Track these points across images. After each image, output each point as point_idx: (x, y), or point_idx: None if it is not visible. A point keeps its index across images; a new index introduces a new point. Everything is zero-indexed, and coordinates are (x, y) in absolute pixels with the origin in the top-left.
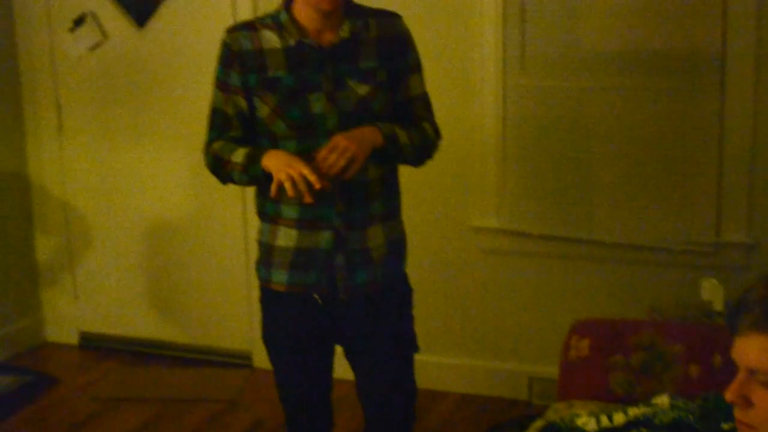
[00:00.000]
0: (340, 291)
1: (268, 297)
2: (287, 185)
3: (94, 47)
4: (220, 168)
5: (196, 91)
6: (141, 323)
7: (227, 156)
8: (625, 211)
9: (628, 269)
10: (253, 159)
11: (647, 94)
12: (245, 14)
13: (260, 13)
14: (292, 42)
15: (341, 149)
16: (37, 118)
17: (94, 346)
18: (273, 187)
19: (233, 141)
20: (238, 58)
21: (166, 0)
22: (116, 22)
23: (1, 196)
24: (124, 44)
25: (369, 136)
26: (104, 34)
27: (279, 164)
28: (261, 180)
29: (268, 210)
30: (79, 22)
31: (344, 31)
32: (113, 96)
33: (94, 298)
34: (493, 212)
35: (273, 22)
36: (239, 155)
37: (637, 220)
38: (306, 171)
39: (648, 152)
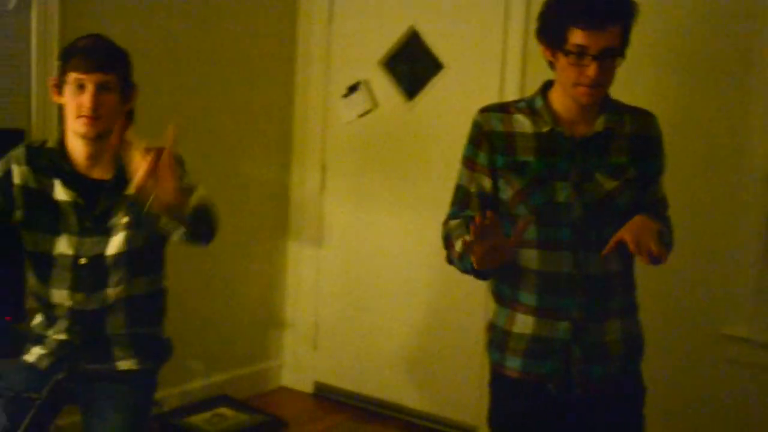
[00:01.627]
0: (575, 384)
1: (500, 381)
2: None
3: (364, 114)
4: (446, 246)
5: (455, 166)
6: (374, 382)
7: (454, 239)
8: None
9: None
10: (469, 250)
11: None
12: (512, 95)
13: (527, 95)
14: (544, 129)
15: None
16: (302, 176)
17: (327, 396)
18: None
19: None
20: (488, 138)
21: (437, 75)
22: (387, 92)
23: (267, 245)
24: (391, 114)
25: (652, 225)
26: (374, 103)
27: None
28: (471, 273)
29: (505, 293)
30: (353, 89)
31: (599, 125)
32: (375, 162)
33: (332, 350)
34: (746, 320)
35: (527, 106)
36: (460, 243)
37: None
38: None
39: None
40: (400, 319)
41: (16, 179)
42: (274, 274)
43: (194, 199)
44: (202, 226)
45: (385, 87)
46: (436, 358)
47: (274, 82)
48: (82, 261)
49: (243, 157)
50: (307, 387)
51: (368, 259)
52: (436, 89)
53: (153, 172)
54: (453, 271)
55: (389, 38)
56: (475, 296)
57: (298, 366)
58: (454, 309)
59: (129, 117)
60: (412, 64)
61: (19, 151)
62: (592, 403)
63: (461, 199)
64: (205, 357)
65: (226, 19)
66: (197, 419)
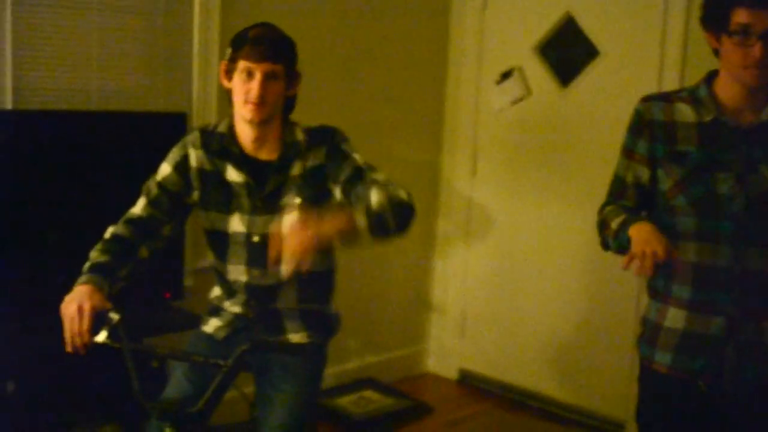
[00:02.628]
0: (726, 382)
1: (648, 376)
2: (634, 263)
3: (517, 101)
4: (601, 231)
5: (610, 157)
6: (520, 371)
7: (610, 220)
8: None
9: None
10: (625, 226)
11: None
12: (671, 85)
13: (686, 85)
14: (707, 118)
15: None
16: (453, 162)
17: (472, 384)
18: (625, 260)
19: (624, 209)
20: (648, 127)
21: (593, 62)
22: (541, 79)
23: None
24: (545, 101)
25: None
26: (528, 90)
27: (639, 237)
28: (628, 249)
29: (658, 286)
30: (506, 75)
31: (766, 114)
32: (526, 149)
33: (478, 338)
34: None
35: (689, 96)
36: (617, 221)
37: None
38: (660, 251)
39: None
40: (548, 309)
41: (193, 162)
42: (424, 258)
43: (362, 217)
44: (388, 227)
45: (538, 74)
46: (584, 350)
47: (428, 68)
48: (255, 239)
49: (396, 140)
50: (452, 373)
51: (518, 247)
52: (591, 77)
53: (294, 253)
54: (604, 263)
55: (544, 24)
56: (627, 289)
57: (444, 352)
58: (605, 301)
59: (291, 102)
60: (567, 51)
61: (193, 136)
62: (742, 402)
63: (617, 189)
64: (355, 339)
65: (382, 7)
66: (344, 401)
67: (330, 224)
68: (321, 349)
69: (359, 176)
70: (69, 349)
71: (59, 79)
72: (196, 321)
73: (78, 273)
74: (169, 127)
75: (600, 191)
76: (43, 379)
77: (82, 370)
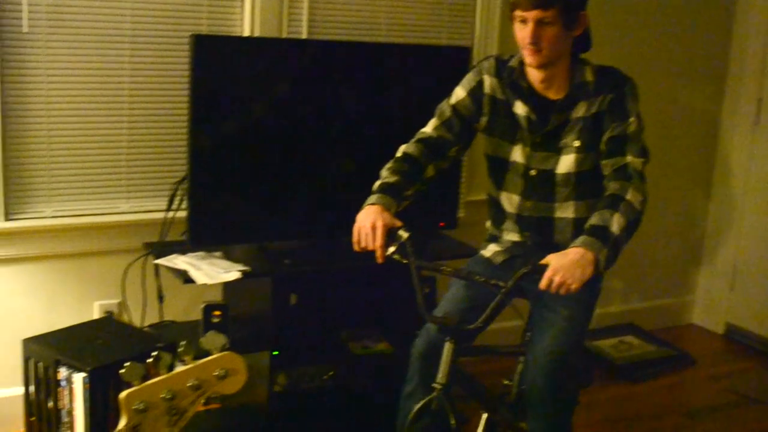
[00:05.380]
0: None
1: None
2: None
3: None
4: None
5: None
6: None
7: None
8: None
9: None
10: None
11: None
12: None
13: None
14: None
15: None
16: (735, 109)
17: (738, 339)
18: None
19: None
20: None
21: None
22: None
23: (689, 180)
24: None
25: None
26: None
27: None
28: None
29: None
30: None
31: None
32: None
33: (749, 293)
34: None
35: None
36: None
37: None
38: None
39: None
40: None
41: (487, 89)
42: (696, 208)
43: (604, 258)
44: (619, 252)
45: None
46: None
47: (712, 8)
48: (532, 173)
49: (677, 85)
50: (718, 327)
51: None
52: None
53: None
54: None
55: None
56: None
57: (711, 305)
58: None
59: (581, 41)
60: None
61: (489, 63)
62: None
63: None
64: (621, 282)
65: None
66: (604, 344)
67: (585, 274)
68: (598, 277)
69: (621, 147)
70: (358, 257)
71: (350, 12)
72: (467, 251)
73: (366, 194)
74: (452, 60)
75: None
76: (322, 294)
77: (358, 287)
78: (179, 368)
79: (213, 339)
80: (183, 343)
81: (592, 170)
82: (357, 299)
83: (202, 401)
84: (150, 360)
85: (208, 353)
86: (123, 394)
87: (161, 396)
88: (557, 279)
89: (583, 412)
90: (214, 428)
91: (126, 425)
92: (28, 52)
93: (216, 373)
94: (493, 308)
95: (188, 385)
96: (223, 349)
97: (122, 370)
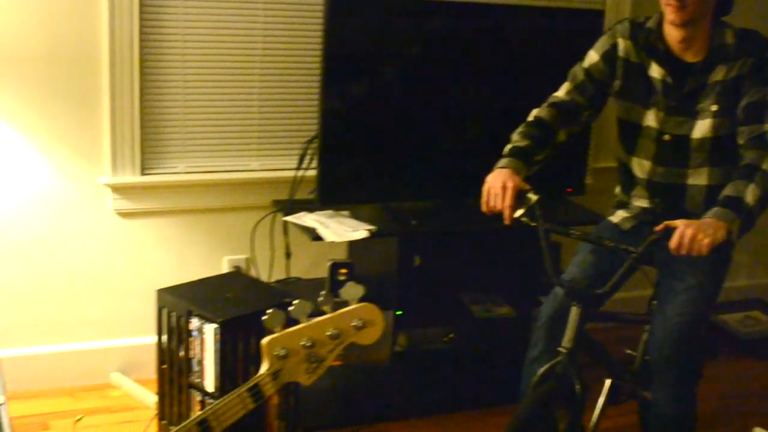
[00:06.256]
0: None
1: None
2: None
3: None
4: None
5: None
6: None
7: None
8: None
9: None
10: None
11: None
12: None
13: None
14: None
15: None
16: None
17: None
18: None
19: None
20: None
21: None
22: None
23: None
24: None
25: None
26: None
27: None
28: None
29: None
30: None
31: None
32: None
33: None
34: None
35: None
36: None
37: None
38: None
39: None
40: None
41: (621, 52)
42: None
43: (737, 228)
44: (753, 224)
45: None
46: None
47: None
48: (666, 138)
49: None
50: None
51: None
52: None
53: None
54: None
55: None
56: None
57: None
58: None
59: (724, 3)
60: None
61: (624, 26)
62: None
63: None
64: (747, 256)
65: None
66: (729, 318)
67: (717, 236)
68: (729, 247)
69: (759, 114)
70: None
71: None
72: (593, 217)
73: (495, 157)
74: (585, 23)
75: None
76: (446, 256)
77: (482, 250)
78: (319, 318)
79: (352, 290)
80: (323, 293)
81: (729, 136)
82: (481, 263)
83: (340, 351)
84: (292, 308)
85: (346, 303)
86: (265, 340)
87: (301, 343)
88: (689, 233)
89: (706, 384)
90: (336, 386)
91: (267, 370)
92: (166, 11)
93: (354, 324)
94: (622, 274)
95: (327, 334)
96: (360, 300)
97: (265, 317)
